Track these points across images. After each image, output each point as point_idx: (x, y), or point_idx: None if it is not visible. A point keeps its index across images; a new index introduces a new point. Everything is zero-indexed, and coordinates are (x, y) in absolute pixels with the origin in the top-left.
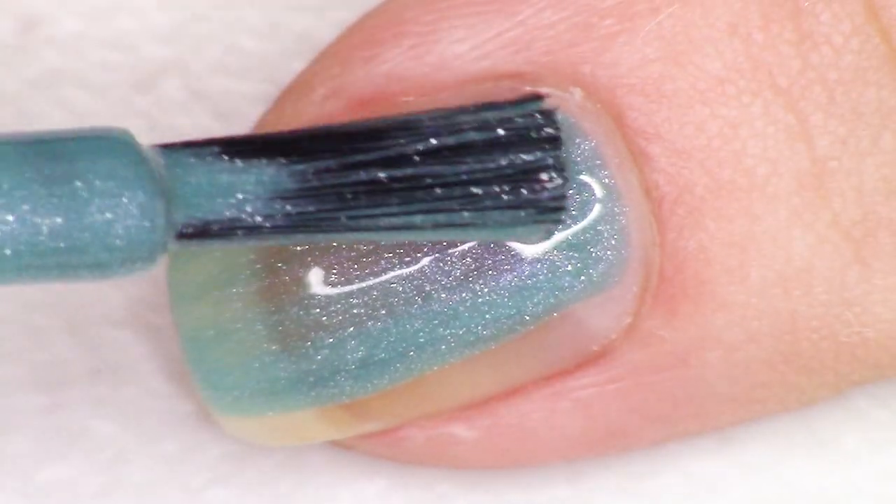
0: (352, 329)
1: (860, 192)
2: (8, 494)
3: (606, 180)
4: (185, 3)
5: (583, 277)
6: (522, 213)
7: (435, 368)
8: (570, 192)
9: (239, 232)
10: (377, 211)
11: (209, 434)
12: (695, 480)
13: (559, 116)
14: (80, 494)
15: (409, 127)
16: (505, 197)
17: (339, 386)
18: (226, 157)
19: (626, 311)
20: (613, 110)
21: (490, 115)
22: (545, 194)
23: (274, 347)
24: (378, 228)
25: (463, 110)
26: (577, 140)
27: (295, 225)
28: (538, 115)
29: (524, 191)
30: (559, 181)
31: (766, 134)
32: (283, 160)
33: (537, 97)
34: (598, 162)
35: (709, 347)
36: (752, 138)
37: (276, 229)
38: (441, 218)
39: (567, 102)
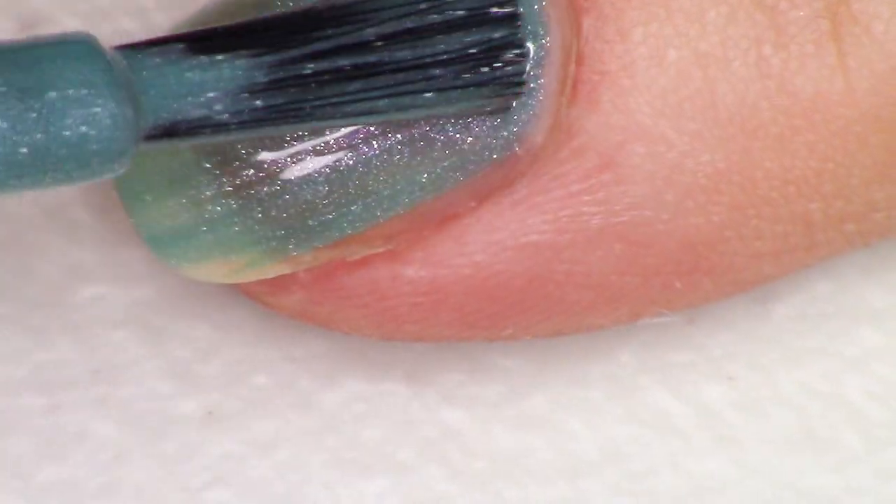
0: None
1: None
2: (8, 494)
3: None
4: (185, 3)
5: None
6: (484, 90)
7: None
8: (529, 64)
9: (206, 130)
10: (342, 99)
11: (209, 434)
12: (695, 480)
13: None
14: (80, 494)
15: (368, 10)
16: (467, 76)
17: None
18: (191, 54)
19: (548, 107)
20: None
21: None
22: (507, 70)
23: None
24: (343, 115)
25: None
26: None
27: (261, 119)
28: None
29: (485, 69)
30: (520, 57)
31: None
32: (246, 53)
33: None
34: None
35: (633, 140)
36: None
37: (243, 125)
38: (405, 101)
39: None
